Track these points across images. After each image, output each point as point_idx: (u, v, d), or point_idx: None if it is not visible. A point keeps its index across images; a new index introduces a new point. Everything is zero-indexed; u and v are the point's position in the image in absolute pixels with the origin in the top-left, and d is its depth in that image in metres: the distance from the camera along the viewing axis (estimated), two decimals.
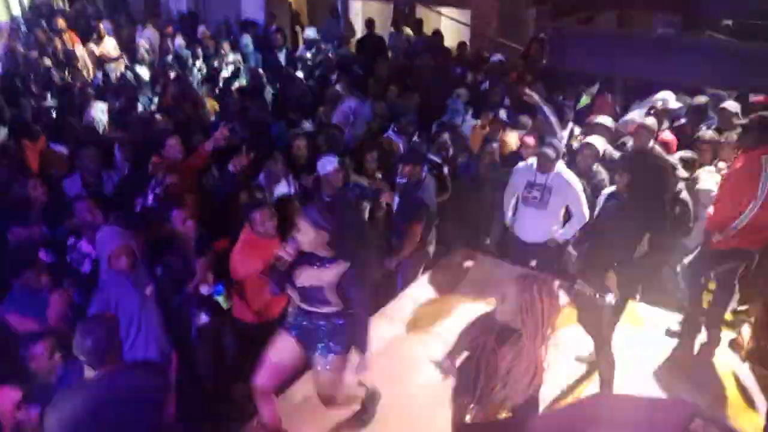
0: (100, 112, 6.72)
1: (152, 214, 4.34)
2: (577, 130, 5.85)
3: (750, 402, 3.66)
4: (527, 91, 5.73)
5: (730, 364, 3.97)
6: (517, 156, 5.25)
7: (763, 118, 3.83)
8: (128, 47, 9.17)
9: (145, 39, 9.57)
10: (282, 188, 4.81)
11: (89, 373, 2.54)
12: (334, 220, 2.95)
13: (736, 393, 3.74)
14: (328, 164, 4.54)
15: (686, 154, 4.92)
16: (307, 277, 3.01)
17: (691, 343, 4.12)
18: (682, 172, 4.61)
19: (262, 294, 3.79)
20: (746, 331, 4.18)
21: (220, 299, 3.81)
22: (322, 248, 2.97)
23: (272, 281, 3.14)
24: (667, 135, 5.28)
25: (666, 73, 3.02)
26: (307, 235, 2.91)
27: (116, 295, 3.33)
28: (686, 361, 4.00)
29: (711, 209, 4.08)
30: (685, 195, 4.33)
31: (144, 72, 8.14)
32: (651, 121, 5.15)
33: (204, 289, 3.84)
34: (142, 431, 2.60)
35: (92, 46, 9.12)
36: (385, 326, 4.32)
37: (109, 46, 9.15)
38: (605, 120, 5.47)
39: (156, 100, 7.31)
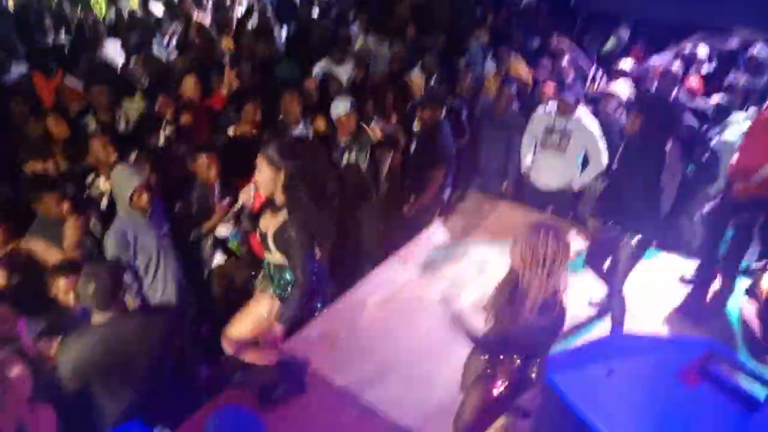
0: (112, 49, 6.62)
1: (167, 153, 4.34)
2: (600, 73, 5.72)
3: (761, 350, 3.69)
4: (556, 37, 5.58)
5: (742, 313, 3.97)
6: (532, 96, 5.15)
7: None
8: None
9: None
10: (298, 130, 4.76)
11: (97, 317, 2.57)
12: (295, 160, 2.73)
13: (748, 341, 3.76)
14: (340, 106, 4.42)
15: (721, 99, 4.79)
16: (264, 223, 2.86)
17: (705, 291, 4.13)
18: (693, 121, 4.50)
19: None
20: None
21: (234, 245, 3.84)
22: (279, 192, 2.76)
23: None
24: (694, 81, 5.13)
25: (695, 17, 2.89)
26: (262, 175, 2.74)
27: (134, 234, 3.35)
28: (698, 308, 4.01)
29: (735, 158, 3.99)
30: (715, 142, 4.25)
31: (158, 9, 7.94)
32: (675, 66, 5.00)
33: (222, 231, 3.88)
34: (148, 372, 2.66)
35: None
36: (399, 269, 4.36)
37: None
38: (628, 65, 5.32)
39: (167, 38, 7.17)
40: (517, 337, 2.12)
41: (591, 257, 3.75)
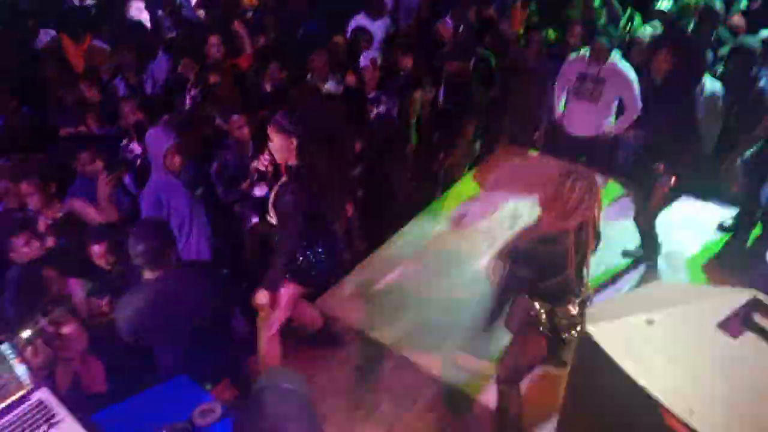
0: (137, 10, 6.60)
1: (196, 114, 4.36)
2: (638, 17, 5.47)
3: None
4: None
5: None
6: (564, 46, 4.98)
7: None
8: None
9: None
10: (330, 86, 4.72)
11: (148, 274, 2.66)
12: (304, 126, 2.71)
13: None
14: (364, 59, 4.40)
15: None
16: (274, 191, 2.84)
17: (745, 238, 4.04)
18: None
19: None
20: None
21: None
22: (293, 159, 2.74)
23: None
24: (737, 18, 4.88)
25: None
26: (275, 143, 2.74)
27: (167, 197, 3.40)
28: (738, 256, 3.93)
29: None
30: (763, 82, 4.06)
31: None
32: (718, 4, 4.76)
33: (257, 191, 3.91)
34: (200, 322, 2.76)
35: None
36: (430, 222, 4.37)
37: None
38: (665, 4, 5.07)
39: None
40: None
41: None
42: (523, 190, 4.57)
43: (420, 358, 3.23)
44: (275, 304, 2.92)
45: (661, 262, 3.83)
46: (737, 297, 1.34)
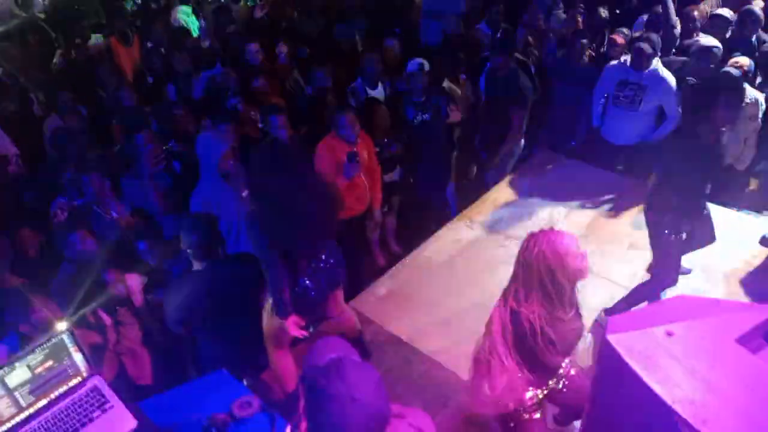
0: (184, 15, 6.85)
1: (241, 118, 4.52)
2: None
3: None
4: None
5: None
6: (604, 57, 4.95)
7: None
8: None
9: None
10: (378, 92, 4.80)
11: (196, 265, 2.81)
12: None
13: None
14: (410, 65, 4.48)
15: None
16: None
17: None
18: None
19: (343, 192, 3.93)
20: None
21: None
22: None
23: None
24: None
25: None
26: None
27: (216, 199, 3.56)
28: None
29: None
30: None
31: None
32: (758, 8, 4.68)
33: None
34: (242, 313, 2.89)
35: None
36: (466, 228, 4.41)
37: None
38: (724, 11, 4.93)
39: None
40: None
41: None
42: (559, 197, 4.58)
43: (450, 362, 3.28)
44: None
45: (698, 274, 3.79)
46: (759, 313, 1.37)
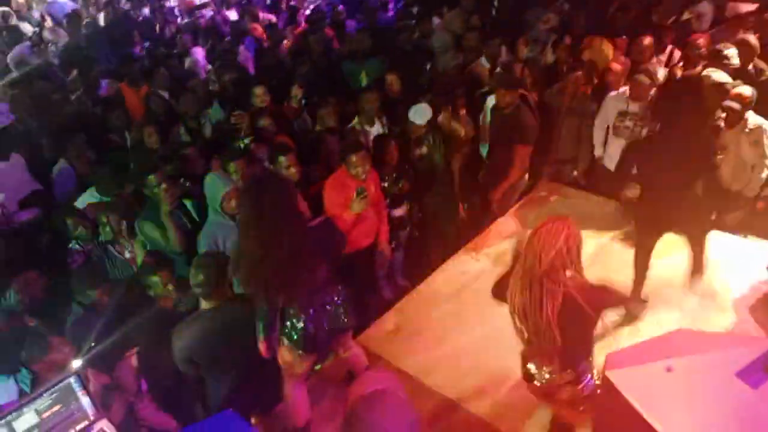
0: (201, 57, 7.02)
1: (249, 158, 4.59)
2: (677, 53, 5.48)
3: None
4: None
5: None
6: (603, 87, 5.02)
7: None
8: None
9: None
10: (376, 129, 4.87)
11: (204, 304, 2.84)
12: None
13: None
14: (418, 117, 4.52)
15: None
16: None
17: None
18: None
19: (351, 227, 3.97)
20: None
21: None
22: None
23: None
24: None
25: None
26: None
27: (223, 237, 3.62)
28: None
29: None
30: None
31: (233, 15, 8.32)
32: (753, 38, 4.75)
33: None
34: (250, 352, 2.90)
35: None
36: (471, 261, 4.43)
37: None
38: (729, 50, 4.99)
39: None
40: None
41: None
42: None
43: (459, 396, 3.26)
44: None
45: (707, 302, 3.77)
46: (757, 346, 1.38)
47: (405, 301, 4.10)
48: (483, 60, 5.73)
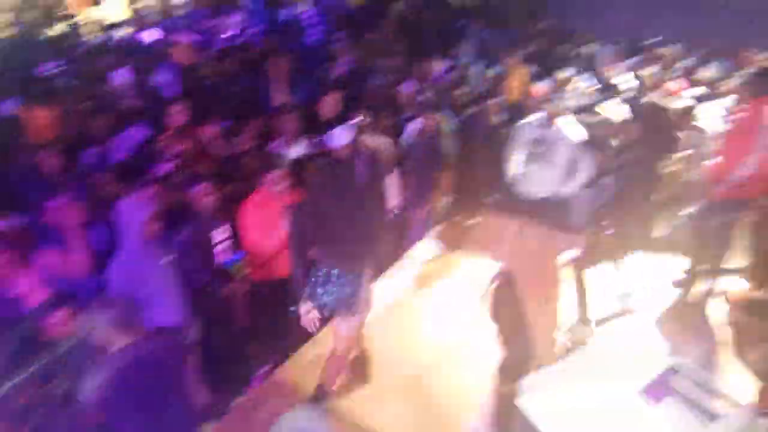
0: (120, 77, 6.68)
1: (168, 183, 4.42)
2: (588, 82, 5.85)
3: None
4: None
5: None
6: (524, 107, 5.25)
7: (765, 68, 3.81)
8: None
9: None
10: (298, 150, 4.80)
11: (115, 343, 2.68)
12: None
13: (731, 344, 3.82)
14: (337, 139, 4.53)
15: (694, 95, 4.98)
16: None
17: (693, 292, 4.21)
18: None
19: (274, 251, 3.91)
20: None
21: (236, 268, 3.90)
22: None
23: None
24: (672, 84, 5.28)
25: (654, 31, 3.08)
26: None
27: (137, 265, 3.44)
28: (687, 309, 4.09)
29: (712, 162, 4.10)
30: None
31: (153, 33, 8.03)
32: (653, 70, 5.17)
33: (221, 258, 3.96)
34: (166, 393, 2.77)
35: (94, 9, 9.01)
36: (393, 285, 4.45)
37: (114, 8, 9.04)
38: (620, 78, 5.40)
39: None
40: None
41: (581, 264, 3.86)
42: (482, 249, 4.72)
43: (387, 426, 3.24)
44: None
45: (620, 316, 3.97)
46: (657, 365, 1.46)
47: (325, 328, 4.05)
48: (407, 83, 5.84)
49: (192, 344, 3.78)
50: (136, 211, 3.46)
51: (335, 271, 3.17)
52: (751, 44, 5.13)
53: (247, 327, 4.34)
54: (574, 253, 4.03)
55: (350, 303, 3.24)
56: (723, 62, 5.89)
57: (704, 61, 5.86)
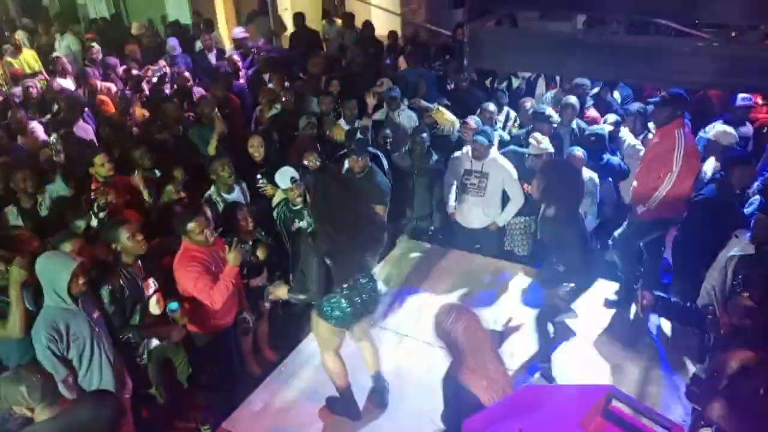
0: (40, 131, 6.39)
1: (96, 235, 4.23)
2: (513, 114, 6.09)
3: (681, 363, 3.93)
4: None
5: (665, 328, 4.21)
6: (446, 141, 5.41)
7: (673, 94, 4.09)
8: (46, 58, 8.74)
9: (65, 48, 9.18)
10: (236, 195, 4.76)
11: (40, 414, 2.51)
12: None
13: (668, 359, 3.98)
14: (283, 181, 4.54)
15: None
16: None
17: (628, 310, 4.37)
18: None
19: (210, 304, 3.80)
20: None
21: (176, 315, 3.76)
22: None
23: None
24: (592, 111, 5.60)
25: (573, 70, 3.29)
26: None
27: (65, 324, 3.25)
28: (624, 328, 4.24)
29: (634, 184, 4.34)
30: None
31: (68, 84, 7.78)
32: (573, 99, 5.44)
33: (153, 310, 3.80)
34: None
35: (8, 59, 8.66)
36: None
37: (28, 58, 8.73)
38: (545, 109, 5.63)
39: None
40: None
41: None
42: (425, 282, 4.76)
43: None
44: None
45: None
46: (594, 393, 1.49)
47: (273, 376, 3.94)
48: (342, 122, 5.91)
49: (127, 403, 3.59)
50: (61, 267, 3.27)
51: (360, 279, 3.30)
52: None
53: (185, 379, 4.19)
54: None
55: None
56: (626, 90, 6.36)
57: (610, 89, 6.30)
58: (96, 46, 8.43)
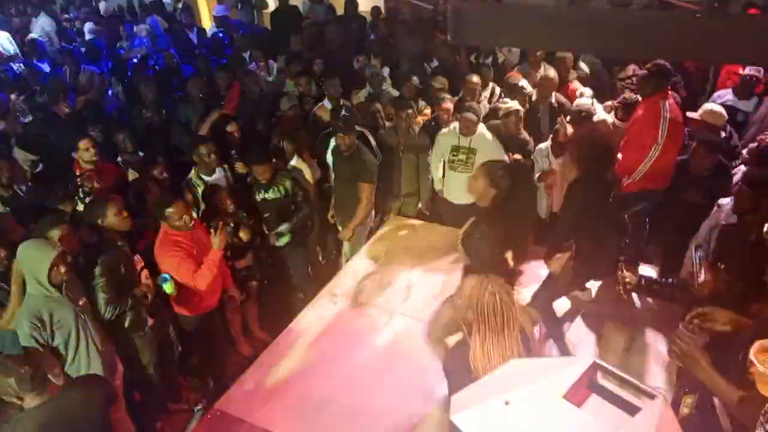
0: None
1: (81, 219, 4.19)
2: (498, 90, 6.06)
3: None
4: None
5: (648, 301, 4.27)
6: (434, 123, 5.39)
7: (659, 66, 4.10)
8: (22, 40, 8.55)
9: (40, 29, 9.00)
10: (217, 177, 4.73)
11: (30, 401, 2.52)
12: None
13: (653, 329, 4.04)
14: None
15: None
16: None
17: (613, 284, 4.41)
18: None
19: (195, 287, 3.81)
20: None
21: (167, 287, 3.76)
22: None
23: None
24: (573, 85, 5.60)
25: (553, 44, 3.28)
26: (477, 182, 3.72)
27: (49, 312, 3.24)
28: (608, 300, 4.28)
29: (619, 156, 4.35)
30: None
31: (45, 67, 7.62)
32: (553, 72, 5.43)
33: (145, 289, 3.79)
34: None
35: None
36: (328, 304, 4.41)
37: (3, 41, 8.53)
38: (522, 81, 5.62)
39: None
40: None
41: None
42: (414, 260, 4.77)
43: None
44: None
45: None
46: (580, 365, 1.51)
47: (264, 355, 3.96)
48: (326, 102, 5.85)
49: (118, 386, 3.60)
50: (40, 255, 3.24)
51: None
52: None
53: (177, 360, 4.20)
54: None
55: None
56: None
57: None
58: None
